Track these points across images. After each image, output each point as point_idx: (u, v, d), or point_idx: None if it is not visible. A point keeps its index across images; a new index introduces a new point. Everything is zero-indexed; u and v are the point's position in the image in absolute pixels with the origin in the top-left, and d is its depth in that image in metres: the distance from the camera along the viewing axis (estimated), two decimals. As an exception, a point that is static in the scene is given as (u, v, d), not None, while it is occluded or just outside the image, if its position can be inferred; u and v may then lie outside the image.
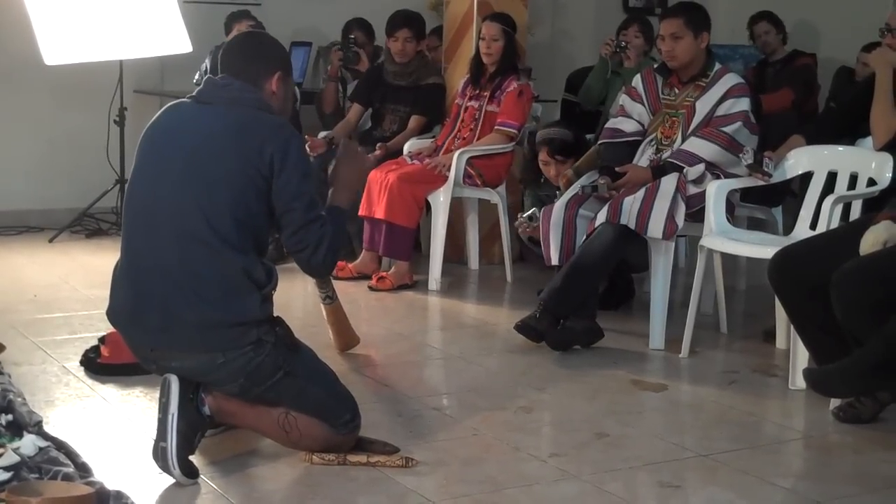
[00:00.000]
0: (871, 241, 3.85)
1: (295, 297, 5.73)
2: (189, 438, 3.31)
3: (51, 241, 7.08)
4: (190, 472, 3.29)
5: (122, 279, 3.41)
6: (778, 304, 4.54)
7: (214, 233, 3.25)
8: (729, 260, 5.31)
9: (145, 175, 3.41)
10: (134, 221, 3.40)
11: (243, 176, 3.29)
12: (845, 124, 5.12)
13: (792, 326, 4.26)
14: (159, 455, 3.26)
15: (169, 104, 3.54)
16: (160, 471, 3.28)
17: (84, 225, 7.33)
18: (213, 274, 3.26)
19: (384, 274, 6.05)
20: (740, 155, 4.88)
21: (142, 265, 3.34)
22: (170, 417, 3.27)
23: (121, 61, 7.01)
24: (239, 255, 3.28)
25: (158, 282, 3.29)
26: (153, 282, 3.30)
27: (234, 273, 3.27)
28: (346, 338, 4.72)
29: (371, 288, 5.98)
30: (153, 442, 3.29)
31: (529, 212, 5.47)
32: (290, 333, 3.43)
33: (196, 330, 3.27)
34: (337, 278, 6.07)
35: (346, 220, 3.63)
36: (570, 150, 5.85)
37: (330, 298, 4.54)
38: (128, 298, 3.38)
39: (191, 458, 3.34)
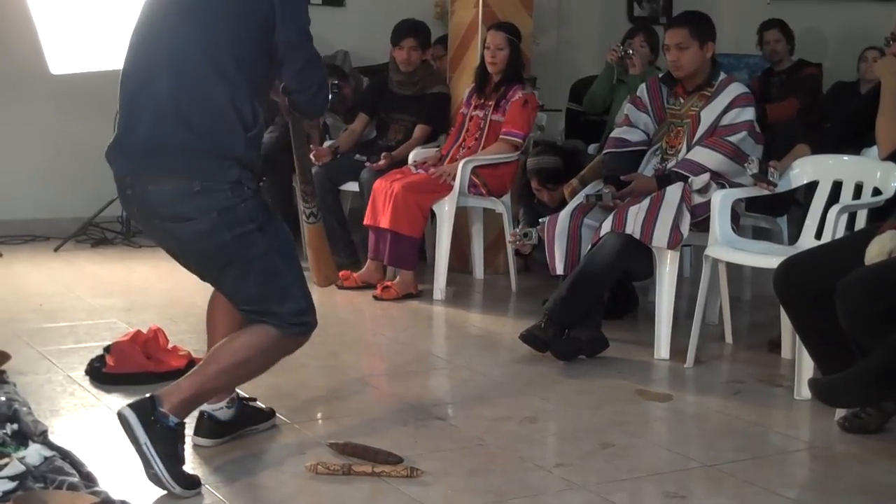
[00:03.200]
0: (877, 250, 3.84)
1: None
2: (172, 454, 3.27)
3: (56, 250, 7.09)
4: (190, 484, 3.28)
5: (119, 111, 3.43)
6: (783, 313, 4.53)
7: (211, 65, 3.28)
8: (734, 269, 5.31)
9: (148, 13, 3.44)
10: (133, 56, 3.42)
11: (243, 13, 3.30)
12: (850, 134, 5.11)
13: (797, 336, 4.25)
14: (154, 481, 3.25)
15: None
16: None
17: (89, 234, 7.34)
18: (203, 105, 3.28)
19: (389, 283, 6.05)
20: (745, 164, 4.88)
21: (136, 93, 3.37)
22: (144, 447, 3.22)
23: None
24: (232, 90, 3.29)
25: (149, 107, 3.31)
26: (144, 107, 3.33)
27: (224, 107, 3.29)
28: (326, 269, 4.22)
29: (376, 297, 5.98)
30: (144, 471, 3.27)
31: (526, 230, 5.53)
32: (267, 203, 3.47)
33: (179, 154, 3.28)
34: (342, 287, 6.11)
35: None
36: (560, 178, 5.89)
37: (314, 217, 4.05)
38: (119, 127, 3.41)
39: (189, 469, 3.34)
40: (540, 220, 5.62)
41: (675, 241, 4.89)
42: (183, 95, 3.28)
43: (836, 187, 4.85)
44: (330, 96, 3.50)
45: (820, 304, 3.87)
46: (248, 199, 3.34)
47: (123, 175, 3.39)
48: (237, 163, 3.31)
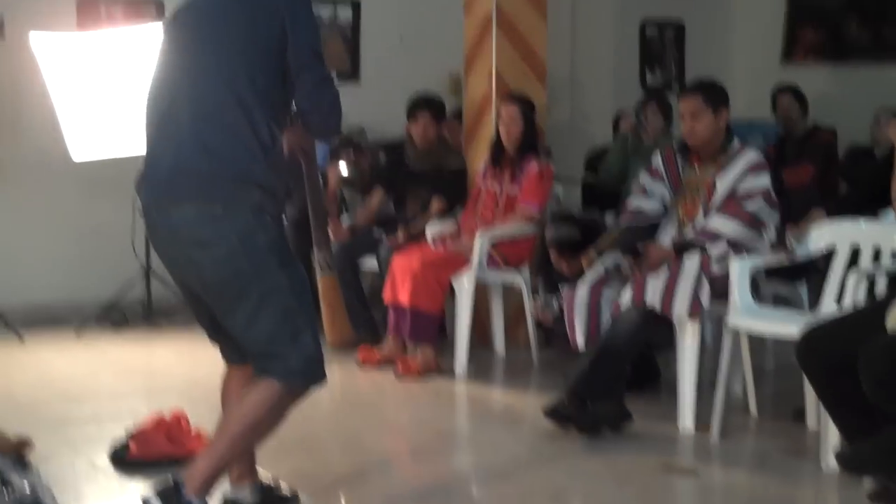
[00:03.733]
0: (898, 317, 3.83)
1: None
2: None
3: (78, 333, 7.11)
4: None
5: (146, 144, 3.49)
6: (807, 382, 4.51)
7: (227, 91, 3.33)
8: (756, 338, 5.28)
9: (167, 45, 3.52)
10: (155, 89, 3.48)
11: (256, 37, 3.36)
12: (866, 198, 5.11)
13: (821, 405, 4.23)
14: None
15: None
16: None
17: (111, 317, 7.36)
18: (222, 130, 3.33)
19: (410, 360, 6.04)
20: (762, 232, 4.88)
21: (159, 125, 3.43)
22: None
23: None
24: (249, 114, 3.33)
25: (172, 138, 3.38)
26: (167, 138, 3.39)
27: (242, 131, 3.33)
28: (340, 326, 4.09)
29: (397, 375, 5.97)
30: None
31: (547, 299, 5.53)
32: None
33: (201, 179, 3.32)
34: (363, 365, 6.10)
35: None
36: (578, 249, 5.89)
37: (328, 267, 3.94)
38: (145, 159, 3.48)
39: None
40: (557, 295, 5.64)
41: (695, 312, 4.88)
42: (202, 122, 3.34)
43: (855, 252, 4.85)
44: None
45: (843, 373, 3.84)
46: (270, 229, 3.37)
47: (149, 204, 3.45)
48: (258, 187, 3.34)
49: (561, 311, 5.42)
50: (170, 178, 3.36)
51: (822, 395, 4.13)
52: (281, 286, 3.37)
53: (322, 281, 3.95)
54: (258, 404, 3.39)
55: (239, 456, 3.56)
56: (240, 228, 3.31)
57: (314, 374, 3.44)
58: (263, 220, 3.35)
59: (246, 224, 3.32)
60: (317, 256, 3.90)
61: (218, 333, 3.59)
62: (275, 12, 3.35)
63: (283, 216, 3.52)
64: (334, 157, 7.30)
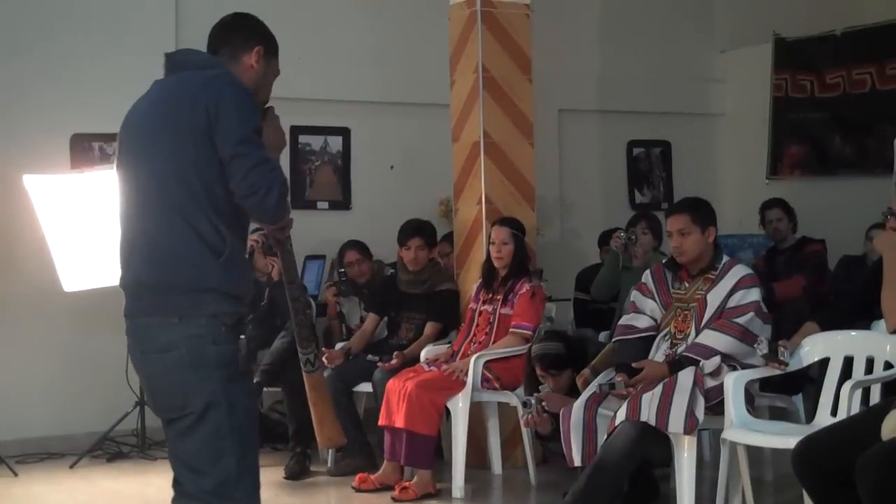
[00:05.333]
0: (893, 425, 3.82)
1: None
2: None
3: (72, 466, 7.05)
4: None
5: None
6: (805, 494, 4.47)
7: (166, 200, 3.27)
8: (754, 451, 5.26)
9: (119, 149, 3.49)
10: (119, 208, 3.46)
11: (182, 138, 3.26)
12: (857, 309, 5.14)
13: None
14: None
15: None
16: None
17: (105, 449, 7.32)
18: (169, 240, 3.27)
19: (407, 484, 5.99)
20: (755, 345, 4.90)
21: (124, 235, 3.42)
22: None
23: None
24: (190, 219, 3.25)
25: (131, 249, 3.36)
26: (128, 249, 3.38)
27: (187, 238, 3.25)
28: (329, 428, 3.84)
29: (394, 500, 5.91)
30: None
31: (524, 399, 5.55)
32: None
33: (157, 295, 3.28)
34: (360, 490, 6.05)
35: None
36: (563, 363, 5.92)
37: (311, 365, 3.71)
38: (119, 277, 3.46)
39: None
40: (535, 395, 5.65)
41: (690, 427, 4.87)
42: (150, 236, 3.31)
43: (848, 362, 4.86)
44: (284, 198, 3.30)
45: (840, 483, 3.83)
46: (222, 342, 3.29)
47: (125, 312, 3.43)
48: (213, 292, 3.28)
49: (556, 426, 5.42)
50: (134, 292, 3.36)
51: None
52: (219, 403, 3.29)
53: (307, 380, 3.76)
54: None
55: None
56: (189, 335, 3.27)
57: (228, 500, 3.30)
58: (217, 330, 3.29)
59: (197, 331, 3.27)
60: (300, 354, 3.70)
61: None
62: (199, 110, 3.25)
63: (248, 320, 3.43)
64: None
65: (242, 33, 3.48)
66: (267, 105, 3.50)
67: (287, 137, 3.79)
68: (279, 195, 3.25)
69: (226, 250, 3.28)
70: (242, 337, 3.45)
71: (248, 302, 3.42)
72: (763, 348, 4.83)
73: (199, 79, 3.32)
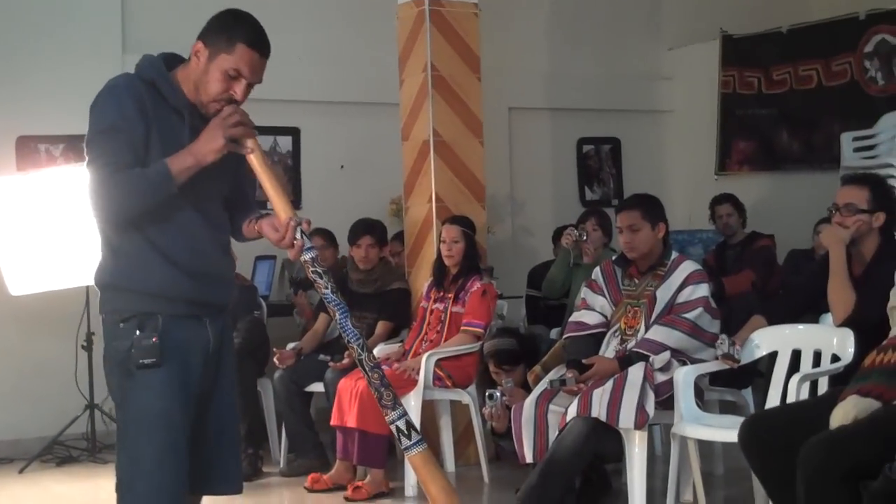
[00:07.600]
0: (841, 417, 3.84)
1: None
2: None
3: (21, 471, 6.98)
4: None
5: None
6: (756, 486, 4.51)
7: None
8: (705, 445, 5.29)
9: None
10: None
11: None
12: (806, 302, 5.18)
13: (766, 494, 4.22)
14: None
15: None
16: None
17: (55, 453, 7.24)
18: (102, 242, 3.34)
19: (360, 483, 5.97)
20: (717, 343, 4.93)
21: None
22: None
23: (87, 287, 7.04)
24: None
25: None
26: None
27: (101, 238, 3.33)
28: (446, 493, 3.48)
29: (347, 499, 5.89)
30: None
31: (489, 392, 5.56)
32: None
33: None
34: (312, 490, 6.03)
35: (162, 180, 3.20)
36: (517, 359, 5.94)
37: (406, 436, 3.40)
38: None
39: None
40: (499, 388, 5.65)
41: (641, 422, 4.89)
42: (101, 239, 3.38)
43: (796, 356, 4.90)
44: (100, 205, 3.25)
45: (785, 457, 3.85)
46: (119, 337, 3.26)
47: None
48: (111, 290, 3.30)
49: (504, 406, 5.45)
50: None
51: (766, 481, 4.15)
52: (118, 399, 3.33)
53: (411, 460, 3.54)
54: None
55: None
56: (104, 335, 3.34)
57: (129, 491, 3.32)
58: (114, 325, 3.29)
59: (105, 331, 3.33)
60: (394, 430, 3.46)
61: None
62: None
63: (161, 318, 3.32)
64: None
65: (203, 32, 3.38)
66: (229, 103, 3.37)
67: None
68: (98, 200, 3.22)
69: (120, 246, 3.29)
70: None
71: (174, 297, 3.31)
72: (724, 347, 4.86)
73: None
